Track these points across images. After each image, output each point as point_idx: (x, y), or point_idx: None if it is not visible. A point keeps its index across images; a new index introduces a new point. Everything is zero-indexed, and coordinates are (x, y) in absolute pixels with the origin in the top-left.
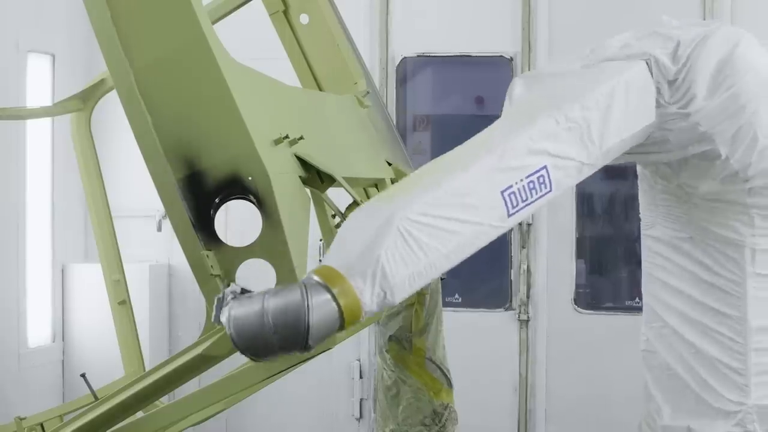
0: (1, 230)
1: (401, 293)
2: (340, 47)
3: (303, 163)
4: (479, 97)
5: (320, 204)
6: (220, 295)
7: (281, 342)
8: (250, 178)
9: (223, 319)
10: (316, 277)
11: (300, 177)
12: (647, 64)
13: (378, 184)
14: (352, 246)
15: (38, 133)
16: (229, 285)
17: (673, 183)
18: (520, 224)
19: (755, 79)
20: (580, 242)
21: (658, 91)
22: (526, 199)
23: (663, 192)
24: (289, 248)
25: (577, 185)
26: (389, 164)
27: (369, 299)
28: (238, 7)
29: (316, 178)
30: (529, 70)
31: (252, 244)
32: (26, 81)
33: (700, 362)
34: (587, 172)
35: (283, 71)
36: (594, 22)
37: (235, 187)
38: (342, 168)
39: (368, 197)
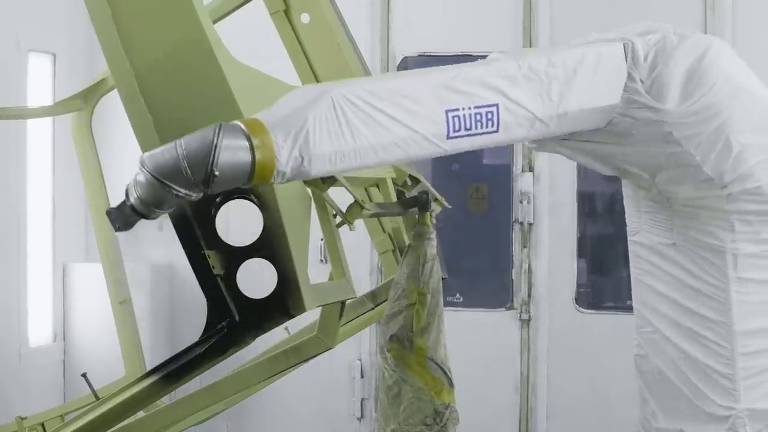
0: (2, 229)
1: (318, 167)
2: (342, 47)
3: None
4: None
5: (321, 204)
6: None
7: (190, 169)
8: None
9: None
10: (239, 124)
11: None
12: (624, 47)
13: (379, 184)
14: (284, 108)
15: (39, 133)
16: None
17: (653, 190)
18: (521, 223)
19: (726, 86)
20: (581, 241)
21: (630, 76)
22: (470, 129)
23: (645, 198)
24: (290, 248)
25: (579, 185)
26: None
27: (285, 159)
28: (239, 6)
29: (317, 178)
30: None
31: (253, 243)
32: (27, 80)
33: (690, 367)
34: (539, 130)
35: (285, 71)
36: (595, 20)
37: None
38: None
39: (370, 197)
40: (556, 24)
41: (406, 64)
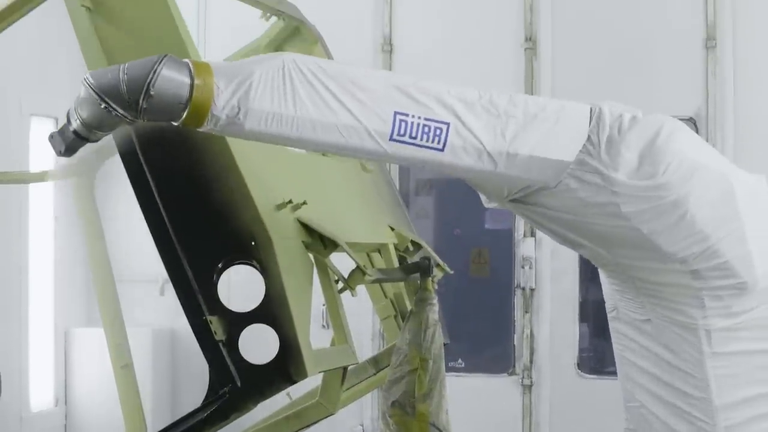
0: (4, 293)
1: (253, 123)
2: None
3: (306, 228)
4: None
5: (323, 269)
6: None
7: (127, 88)
8: (253, 243)
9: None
10: (188, 61)
11: (303, 242)
12: (591, 110)
13: (381, 250)
14: (237, 62)
15: (41, 197)
16: None
17: (614, 267)
18: (523, 288)
19: (681, 166)
20: (583, 306)
21: (590, 138)
22: (415, 138)
23: (610, 276)
24: (292, 314)
25: None
26: (392, 229)
27: (222, 104)
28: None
29: (319, 243)
30: None
31: (255, 309)
32: (29, 144)
33: None
34: (486, 165)
35: None
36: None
37: (238, 252)
38: (345, 233)
39: (372, 263)
40: (558, 74)
41: None
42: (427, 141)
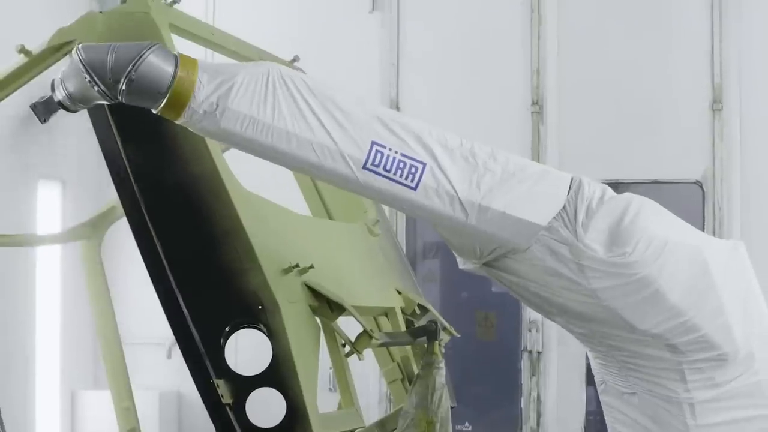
0: (11, 356)
1: (228, 123)
2: None
3: (313, 292)
4: None
5: (330, 333)
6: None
7: (113, 66)
8: (260, 307)
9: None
10: (177, 53)
11: (310, 306)
12: (572, 180)
13: (388, 313)
14: (225, 64)
15: (48, 260)
16: None
17: (592, 341)
18: (529, 352)
19: (649, 245)
20: (590, 369)
21: (565, 208)
22: (389, 171)
23: (591, 350)
24: (299, 378)
25: None
26: (399, 292)
27: (201, 99)
28: None
29: (326, 307)
30: None
31: (262, 373)
32: (36, 207)
33: None
34: (457, 213)
35: (293, 200)
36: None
37: (245, 316)
38: (352, 297)
39: (379, 326)
40: (565, 146)
41: None
42: (401, 177)
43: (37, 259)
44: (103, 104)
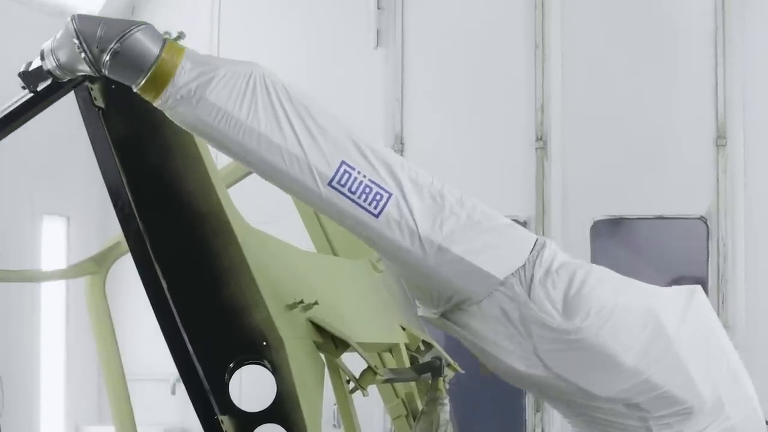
0: (17, 391)
1: (203, 112)
2: None
3: (317, 328)
4: None
5: (334, 369)
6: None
7: (102, 35)
8: (264, 344)
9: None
10: (166, 37)
11: (314, 342)
12: (536, 241)
13: (392, 349)
14: (211, 56)
15: (53, 295)
16: None
17: (555, 403)
18: None
19: (601, 312)
20: None
21: (525, 266)
22: (353, 193)
23: (559, 408)
24: (303, 414)
25: None
26: (403, 329)
27: (181, 81)
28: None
29: (330, 343)
30: (543, 234)
31: (266, 409)
32: (41, 243)
33: None
34: (414, 247)
35: (297, 236)
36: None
37: (250, 353)
38: (356, 333)
39: (383, 363)
40: (568, 187)
41: None
42: (365, 201)
43: (42, 294)
44: (107, 137)
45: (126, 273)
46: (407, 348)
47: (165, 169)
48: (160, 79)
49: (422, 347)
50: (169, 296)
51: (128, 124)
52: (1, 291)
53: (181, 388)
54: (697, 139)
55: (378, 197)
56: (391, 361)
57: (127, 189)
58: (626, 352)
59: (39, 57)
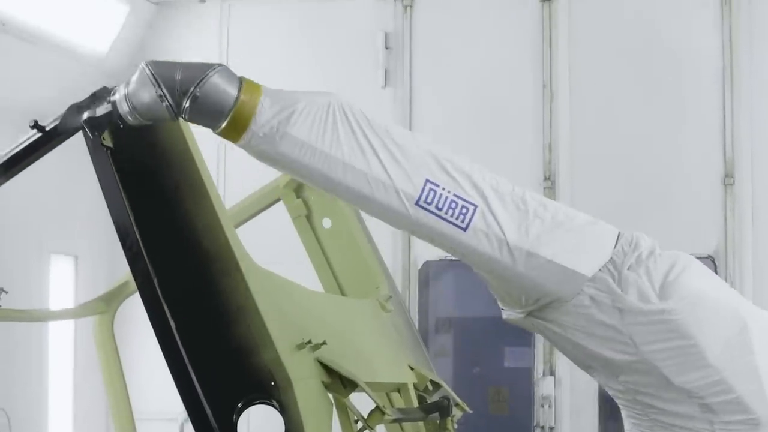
0: (24, 431)
1: (287, 147)
2: (363, 251)
3: (326, 368)
4: None
5: (343, 409)
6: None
7: (181, 78)
8: (272, 383)
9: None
10: (241, 77)
11: (323, 382)
12: (618, 234)
13: (400, 389)
14: (288, 90)
15: (61, 334)
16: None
17: (626, 396)
18: (542, 427)
19: (689, 299)
20: None
21: (612, 260)
22: (440, 209)
23: (624, 407)
24: None
25: (600, 387)
26: (412, 368)
27: (262, 120)
28: (261, 211)
29: (338, 383)
30: None
31: None
32: (49, 282)
33: None
34: (505, 257)
35: (306, 275)
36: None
37: (258, 392)
38: (364, 373)
39: (391, 402)
40: None
41: (427, 268)
42: (452, 216)
43: (50, 334)
44: (115, 177)
45: (134, 312)
46: (415, 388)
47: (173, 209)
48: (241, 121)
49: (430, 387)
50: (177, 336)
51: (136, 163)
52: (9, 330)
53: (190, 428)
54: (705, 178)
55: (464, 210)
56: (399, 401)
57: (135, 228)
58: (710, 345)
59: (104, 103)
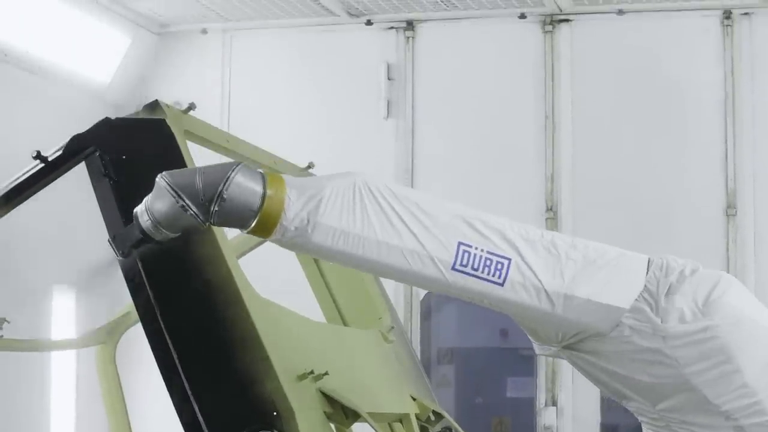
0: None
1: (320, 236)
2: (365, 282)
3: (328, 398)
4: (504, 330)
5: None
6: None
7: (203, 186)
8: (275, 414)
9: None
10: (262, 171)
11: (325, 412)
12: (649, 260)
13: (402, 419)
14: (311, 178)
15: (63, 365)
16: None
17: (658, 423)
18: None
19: (731, 319)
20: None
21: (647, 288)
22: (477, 269)
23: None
24: None
25: (603, 417)
26: (414, 399)
27: (292, 216)
28: (263, 242)
29: (340, 413)
30: None
31: None
32: (51, 312)
33: None
34: (544, 305)
35: (308, 306)
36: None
37: (260, 423)
38: (367, 403)
39: None
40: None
41: (429, 299)
42: (488, 274)
43: (52, 364)
44: (117, 208)
45: (136, 343)
46: (417, 418)
47: (175, 239)
48: (270, 218)
49: (432, 417)
50: (179, 366)
51: (138, 194)
52: (11, 360)
53: None
54: (707, 208)
55: (499, 266)
56: None
57: (137, 259)
58: (747, 366)
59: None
